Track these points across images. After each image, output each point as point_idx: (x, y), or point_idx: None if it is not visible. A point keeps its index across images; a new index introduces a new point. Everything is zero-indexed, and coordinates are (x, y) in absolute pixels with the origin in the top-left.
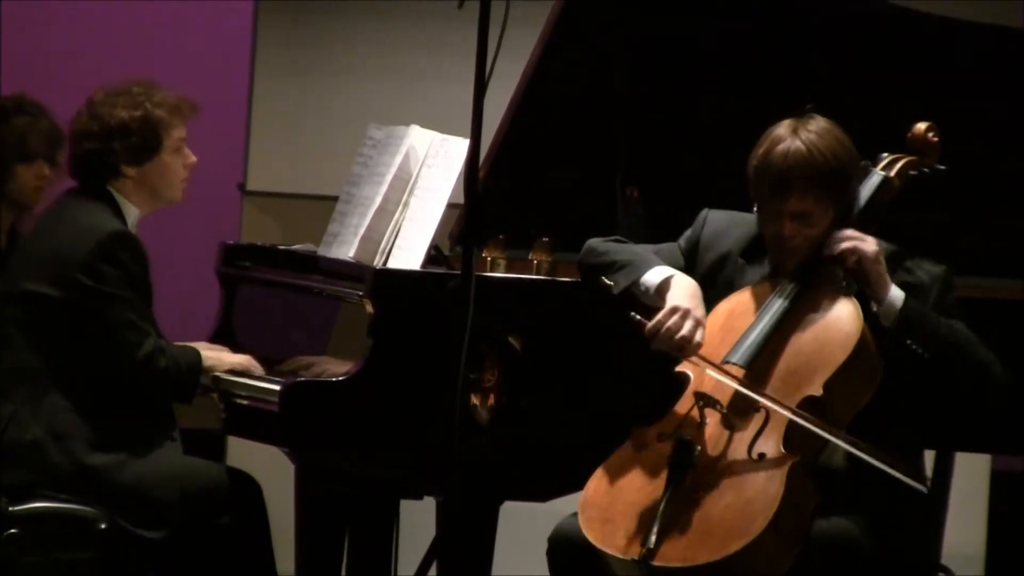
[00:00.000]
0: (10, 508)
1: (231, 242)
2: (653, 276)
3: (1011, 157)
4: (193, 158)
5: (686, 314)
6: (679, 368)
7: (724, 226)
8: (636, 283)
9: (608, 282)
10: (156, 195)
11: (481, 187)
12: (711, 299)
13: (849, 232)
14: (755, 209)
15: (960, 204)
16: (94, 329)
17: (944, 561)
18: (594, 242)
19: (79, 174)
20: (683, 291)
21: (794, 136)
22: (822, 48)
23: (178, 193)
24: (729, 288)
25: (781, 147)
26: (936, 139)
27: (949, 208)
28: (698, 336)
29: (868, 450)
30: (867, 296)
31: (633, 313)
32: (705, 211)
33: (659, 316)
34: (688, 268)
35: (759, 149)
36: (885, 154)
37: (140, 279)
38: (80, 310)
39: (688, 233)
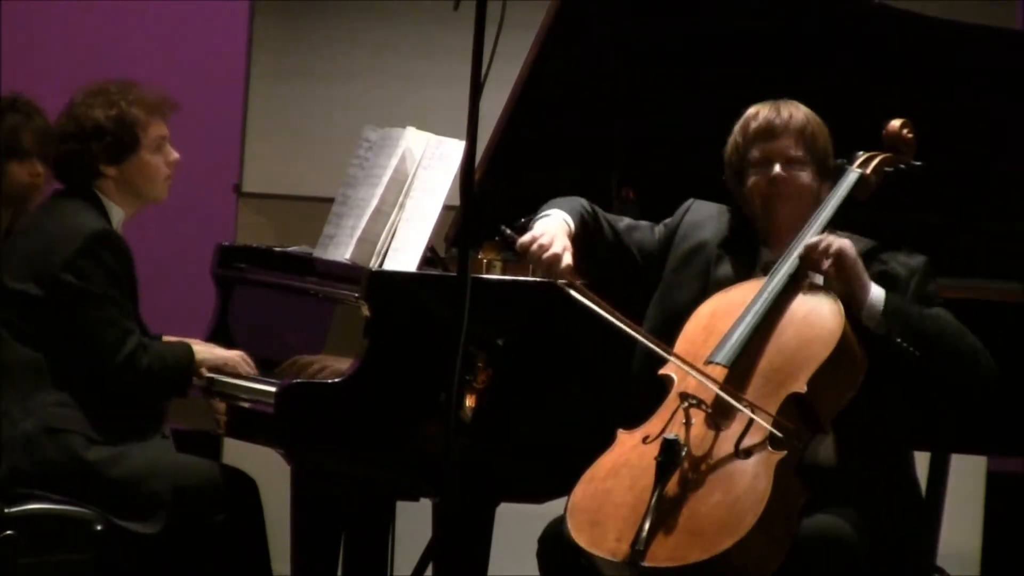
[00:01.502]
0: (6, 509)
1: (226, 243)
2: (538, 217)
3: (1008, 158)
4: (175, 155)
5: (554, 238)
6: (663, 371)
7: (705, 216)
8: (531, 219)
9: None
10: (139, 194)
11: (477, 189)
12: (682, 284)
13: (826, 237)
14: (741, 183)
15: (958, 205)
16: (77, 327)
17: (940, 562)
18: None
19: (62, 175)
20: (553, 222)
21: (783, 104)
22: (820, 49)
23: (162, 192)
24: (705, 275)
25: (765, 106)
26: (911, 135)
27: (947, 209)
28: (567, 259)
29: (732, 393)
30: (849, 301)
31: (504, 227)
32: (690, 200)
33: (531, 233)
34: (662, 252)
35: (741, 121)
36: (860, 152)
37: (124, 277)
38: (63, 308)
39: (668, 220)
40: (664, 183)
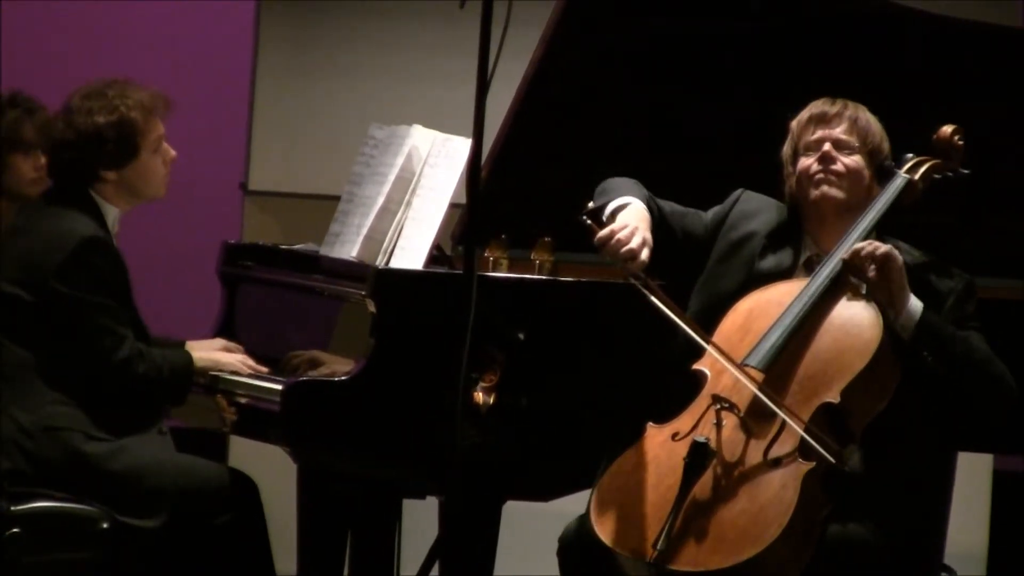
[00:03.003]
0: (11, 508)
1: (233, 242)
2: (615, 203)
3: (1012, 158)
4: (173, 153)
5: (636, 231)
6: (696, 365)
7: (754, 209)
8: (603, 207)
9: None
10: (137, 194)
11: (483, 187)
12: (726, 273)
13: (873, 243)
14: (790, 168)
15: (961, 204)
16: (70, 335)
17: (946, 560)
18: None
19: (58, 179)
20: (635, 213)
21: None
22: (823, 48)
23: (161, 190)
24: (749, 266)
25: (822, 99)
26: (961, 142)
27: (950, 208)
28: (644, 255)
29: (770, 397)
30: (886, 308)
31: (585, 217)
32: (740, 191)
33: (612, 226)
34: (709, 240)
35: (798, 116)
36: (910, 155)
37: (116, 283)
38: (55, 316)
39: (717, 208)
40: (670, 182)
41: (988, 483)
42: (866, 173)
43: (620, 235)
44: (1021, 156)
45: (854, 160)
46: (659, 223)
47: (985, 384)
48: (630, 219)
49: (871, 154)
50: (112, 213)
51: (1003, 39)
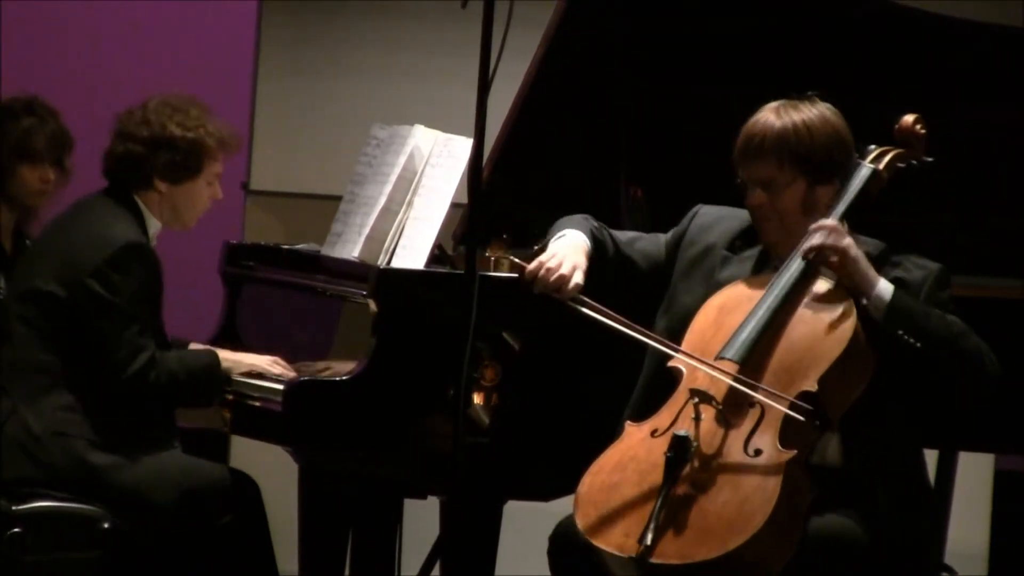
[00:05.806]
0: (13, 508)
1: (234, 242)
2: (554, 236)
3: (1012, 157)
4: (220, 195)
5: (564, 258)
6: (671, 363)
7: (712, 220)
8: (543, 244)
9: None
10: (176, 216)
11: (485, 186)
12: (688, 290)
13: (822, 226)
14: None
15: (961, 203)
16: (91, 335)
17: (947, 560)
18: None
19: (112, 173)
20: (567, 241)
21: (775, 112)
22: (824, 47)
23: (193, 222)
24: (709, 278)
25: (757, 118)
26: (923, 131)
27: (950, 207)
28: (576, 277)
29: (746, 383)
30: (855, 293)
31: (512, 257)
32: (697, 206)
33: (539, 259)
34: (668, 262)
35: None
36: (872, 146)
37: (149, 292)
38: (82, 314)
39: (676, 228)
40: (672, 181)
41: (989, 483)
42: (804, 195)
43: (548, 264)
44: (1021, 155)
45: (787, 196)
46: (614, 253)
47: (963, 357)
48: (558, 248)
49: (813, 170)
50: (154, 226)
51: (1003, 39)
